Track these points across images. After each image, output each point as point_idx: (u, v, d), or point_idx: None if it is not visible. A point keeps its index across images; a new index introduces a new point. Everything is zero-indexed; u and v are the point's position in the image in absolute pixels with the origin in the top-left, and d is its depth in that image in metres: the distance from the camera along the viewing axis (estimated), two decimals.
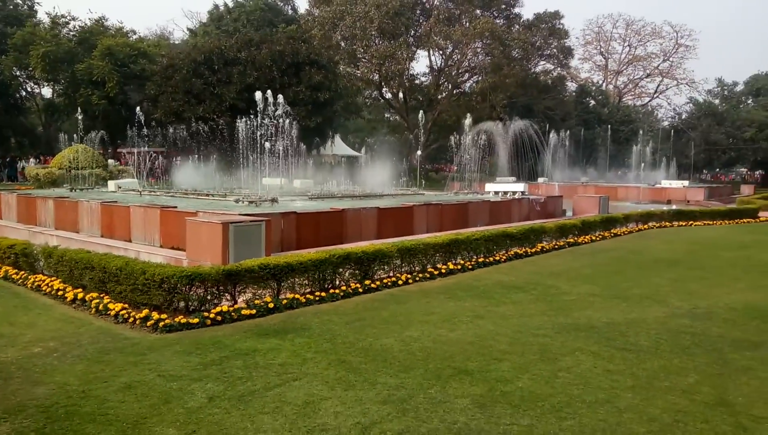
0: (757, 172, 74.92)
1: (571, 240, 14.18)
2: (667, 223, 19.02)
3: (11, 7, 46.69)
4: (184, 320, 6.44)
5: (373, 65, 43.97)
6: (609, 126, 54.36)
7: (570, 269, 10.73)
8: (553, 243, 13.47)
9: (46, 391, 4.61)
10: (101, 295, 7.29)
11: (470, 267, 10.46)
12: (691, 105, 68.68)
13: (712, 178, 69.58)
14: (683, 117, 67.35)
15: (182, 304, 6.84)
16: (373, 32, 42.10)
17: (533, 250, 12.50)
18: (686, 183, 36.39)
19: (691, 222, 19.70)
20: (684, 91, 75.60)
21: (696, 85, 70.95)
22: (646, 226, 18.15)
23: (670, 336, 6.42)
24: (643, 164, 41.31)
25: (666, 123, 70.40)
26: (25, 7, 48.16)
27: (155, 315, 6.50)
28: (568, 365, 5.39)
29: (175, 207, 11.43)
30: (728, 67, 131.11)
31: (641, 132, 51.37)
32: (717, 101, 72.20)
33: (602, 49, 72.22)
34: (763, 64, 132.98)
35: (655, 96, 73.15)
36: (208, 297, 6.92)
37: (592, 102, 60.10)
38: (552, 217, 18.15)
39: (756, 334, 6.62)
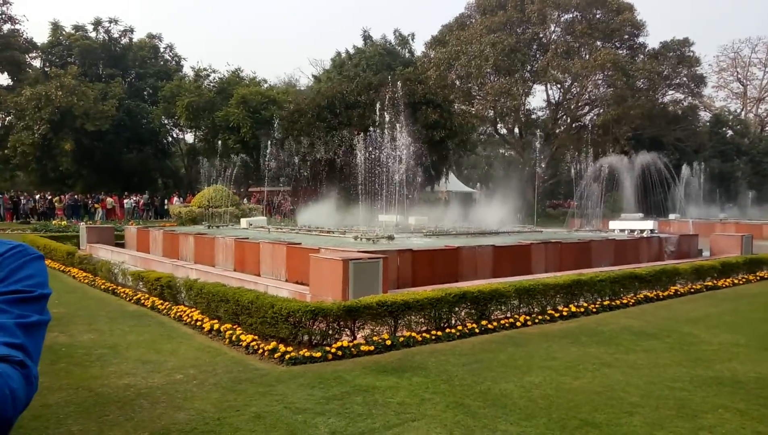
0: None
1: (709, 283, 12.98)
2: None
3: (162, 63, 52.89)
4: (307, 354, 6.72)
5: (488, 102, 43.97)
6: (750, 158, 49.62)
7: (709, 315, 9.81)
8: (689, 286, 12.40)
9: (186, 416, 5.01)
10: (234, 327, 7.83)
11: (594, 310, 9.92)
12: None
13: None
14: None
15: (306, 337, 7.16)
16: (488, 70, 42.26)
17: (665, 293, 11.61)
18: None
19: None
20: None
21: None
22: None
23: None
24: None
25: None
26: (173, 62, 54.32)
27: (282, 347, 6.85)
28: (711, 424, 4.91)
29: (300, 243, 12.06)
30: None
31: None
32: None
33: (740, 76, 66.69)
34: None
35: None
36: (330, 332, 7.19)
37: (730, 132, 55.37)
38: (686, 258, 16.76)
39: None
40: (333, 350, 6.82)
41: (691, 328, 8.76)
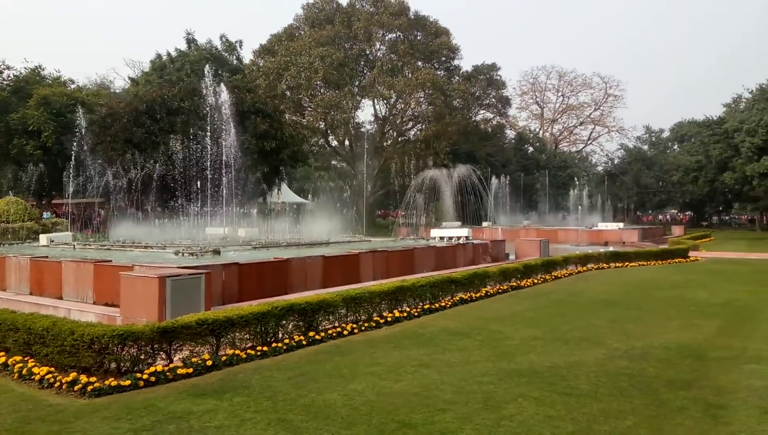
0: (687, 213, 79.35)
1: (514, 283, 14.44)
2: (604, 265, 19.70)
3: None
4: (114, 383, 6.09)
5: (319, 114, 44.53)
6: (547, 171, 56.60)
7: (513, 313, 10.89)
8: (497, 287, 13.67)
9: None
10: (26, 359, 6.84)
11: (416, 314, 10.46)
12: (622, 151, 72.71)
13: (647, 219, 73.05)
14: (615, 162, 71.09)
15: (113, 365, 6.50)
16: (318, 82, 42.84)
17: (478, 294, 12.64)
18: (621, 225, 38.01)
19: (626, 263, 20.48)
20: (615, 137, 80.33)
21: (626, 132, 75.34)
22: (584, 268, 18.74)
23: (609, 378, 6.56)
24: (580, 207, 43.01)
25: (600, 168, 74.11)
26: None
27: (83, 378, 6.13)
28: (511, 413, 5.40)
29: (110, 261, 10.99)
30: (655, 115, 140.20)
31: (578, 177, 53.69)
32: (646, 147, 76.78)
33: (538, 99, 76.05)
34: (686, 111, 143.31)
35: (588, 142, 77.20)
36: (142, 356, 6.60)
37: (531, 149, 62.74)
38: (496, 261, 18.49)
39: (689, 373, 6.85)
40: (145, 377, 6.27)
41: (498, 325, 9.63)
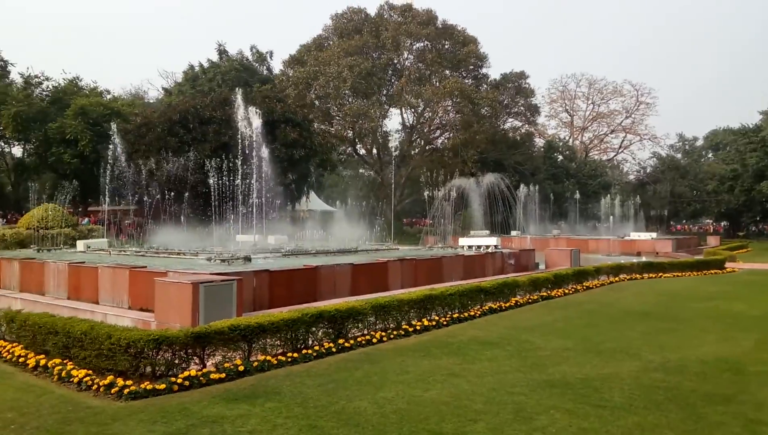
0: (722, 223, 77.37)
1: (545, 293, 14.26)
2: (637, 275, 19.31)
3: None
4: (150, 386, 6.22)
5: (347, 123, 44.87)
6: (577, 180, 55.80)
7: (544, 323, 10.75)
8: (527, 297, 13.52)
9: None
10: (64, 362, 7.04)
11: (445, 323, 10.41)
12: (654, 159, 71.32)
13: (677, 229, 71.35)
14: (648, 171, 69.68)
15: (149, 369, 6.64)
16: (347, 91, 43.23)
17: (507, 304, 12.52)
18: (654, 235, 37.21)
19: (660, 274, 20.04)
20: (647, 146, 79.09)
21: (658, 140, 73.84)
22: (617, 279, 18.40)
23: (644, 391, 6.42)
24: (612, 217, 42.26)
25: (632, 177, 72.72)
26: None
27: (120, 381, 6.28)
28: (543, 424, 5.33)
29: (145, 267, 11.24)
30: (688, 123, 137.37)
31: (609, 186, 52.73)
32: (679, 155, 75.16)
33: (567, 107, 75.12)
34: (721, 119, 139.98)
35: (619, 151, 75.84)
36: (176, 361, 6.73)
37: (560, 157, 61.94)
38: (525, 271, 18.29)
39: (727, 387, 6.67)
40: (179, 381, 6.39)
41: (528, 335, 9.52)
